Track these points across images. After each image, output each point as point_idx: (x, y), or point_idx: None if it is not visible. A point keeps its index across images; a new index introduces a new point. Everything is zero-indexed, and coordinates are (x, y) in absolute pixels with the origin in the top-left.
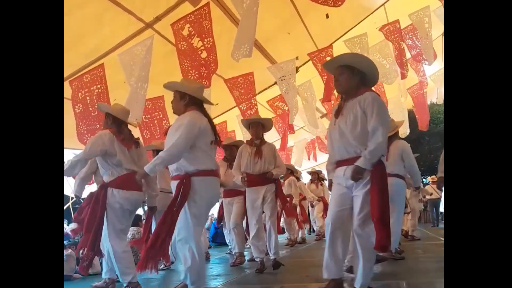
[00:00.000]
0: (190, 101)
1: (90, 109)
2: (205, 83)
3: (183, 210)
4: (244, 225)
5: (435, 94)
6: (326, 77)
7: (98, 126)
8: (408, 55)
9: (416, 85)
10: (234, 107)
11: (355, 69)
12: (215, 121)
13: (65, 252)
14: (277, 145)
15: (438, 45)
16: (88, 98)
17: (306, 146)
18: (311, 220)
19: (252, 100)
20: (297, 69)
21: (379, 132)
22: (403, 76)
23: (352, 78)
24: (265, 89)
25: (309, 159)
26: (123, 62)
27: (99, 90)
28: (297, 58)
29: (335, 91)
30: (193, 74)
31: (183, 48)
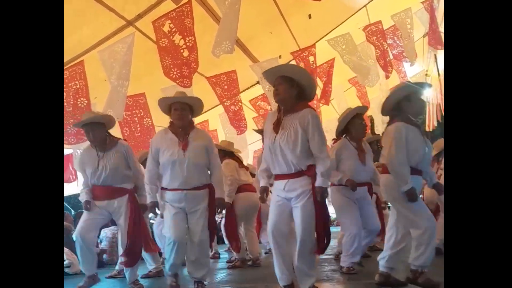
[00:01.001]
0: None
1: (65, 104)
2: (186, 82)
3: None
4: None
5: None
6: None
7: (72, 121)
8: (390, 55)
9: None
10: (216, 106)
11: (294, 81)
12: (196, 120)
13: None
14: (259, 146)
15: (419, 47)
16: (64, 93)
17: None
18: None
19: (237, 97)
20: None
21: (324, 152)
22: (387, 76)
23: (290, 89)
24: (248, 88)
25: None
26: (103, 59)
27: (77, 87)
28: (280, 56)
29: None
30: (174, 73)
31: (164, 45)
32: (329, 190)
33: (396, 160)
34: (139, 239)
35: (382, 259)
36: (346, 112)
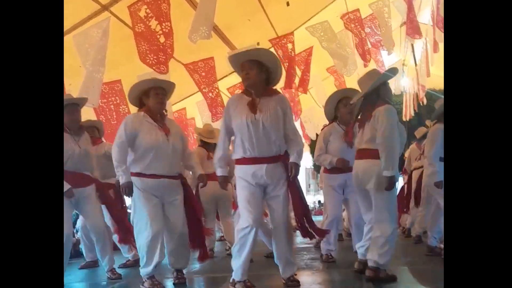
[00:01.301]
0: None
1: None
2: (162, 68)
3: None
4: None
5: (393, 85)
6: (287, 64)
7: None
8: (369, 44)
9: None
10: (193, 94)
11: (263, 65)
12: (174, 108)
13: None
14: None
15: (396, 36)
16: None
17: None
18: None
19: (214, 84)
20: None
21: (298, 135)
22: (366, 65)
23: (260, 74)
24: (225, 76)
25: None
26: (78, 44)
27: None
28: (258, 44)
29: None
30: (151, 58)
31: (140, 31)
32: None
33: (395, 142)
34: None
35: (361, 247)
36: (331, 96)
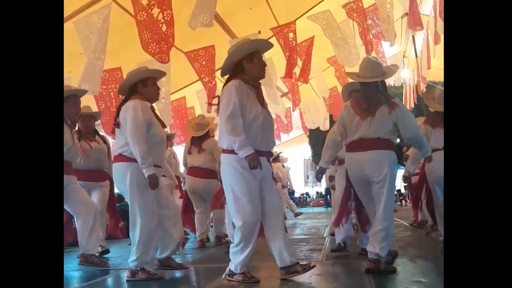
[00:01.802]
0: None
1: None
2: (164, 58)
3: None
4: None
5: (393, 76)
6: (288, 53)
7: None
8: (370, 35)
9: None
10: (193, 82)
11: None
12: (173, 97)
13: None
14: None
15: (397, 27)
16: None
17: None
18: None
19: (213, 74)
20: None
21: None
22: (369, 53)
23: None
24: None
25: None
26: (79, 31)
27: None
28: (259, 32)
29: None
30: (153, 48)
31: (142, 19)
32: None
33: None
34: None
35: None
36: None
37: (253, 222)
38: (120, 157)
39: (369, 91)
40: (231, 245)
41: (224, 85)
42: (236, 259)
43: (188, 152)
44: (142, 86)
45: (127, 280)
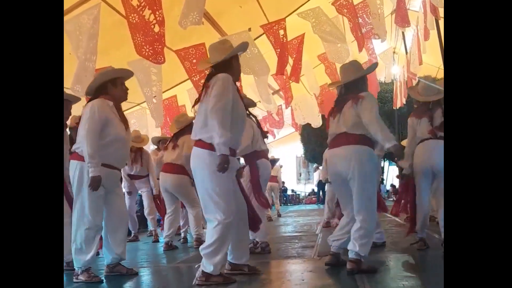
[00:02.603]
0: None
1: None
2: (159, 58)
3: None
4: None
5: (383, 73)
6: (279, 50)
7: None
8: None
9: (366, 63)
10: (184, 81)
11: None
12: (164, 96)
13: None
14: None
15: (387, 24)
16: None
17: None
18: None
19: (206, 71)
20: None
21: None
22: (360, 49)
23: None
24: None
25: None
26: (68, 32)
27: None
28: (249, 29)
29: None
30: (147, 50)
31: (134, 21)
32: None
33: (379, 117)
34: None
35: (336, 241)
36: None
37: (232, 221)
38: (74, 155)
39: (338, 94)
40: (203, 245)
41: (214, 74)
42: (212, 260)
43: (165, 148)
44: (112, 86)
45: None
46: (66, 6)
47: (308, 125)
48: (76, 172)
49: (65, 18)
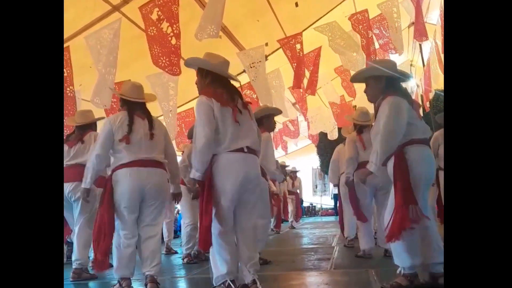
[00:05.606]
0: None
1: None
2: (175, 70)
3: None
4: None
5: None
6: (296, 64)
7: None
8: (376, 45)
9: None
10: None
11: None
12: (182, 109)
13: None
14: None
15: (404, 36)
16: None
17: (274, 136)
18: None
19: None
20: (266, 57)
21: None
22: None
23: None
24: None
25: (276, 148)
26: (90, 45)
27: (64, 75)
28: (266, 44)
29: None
30: (163, 61)
31: (152, 34)
32: None
33: (391, 135)
34: None
35: None
36: None
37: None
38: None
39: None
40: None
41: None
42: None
43: None
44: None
45: None
46: (87, 21)
47: (325, 136)
48: None
49: (87, 32)
